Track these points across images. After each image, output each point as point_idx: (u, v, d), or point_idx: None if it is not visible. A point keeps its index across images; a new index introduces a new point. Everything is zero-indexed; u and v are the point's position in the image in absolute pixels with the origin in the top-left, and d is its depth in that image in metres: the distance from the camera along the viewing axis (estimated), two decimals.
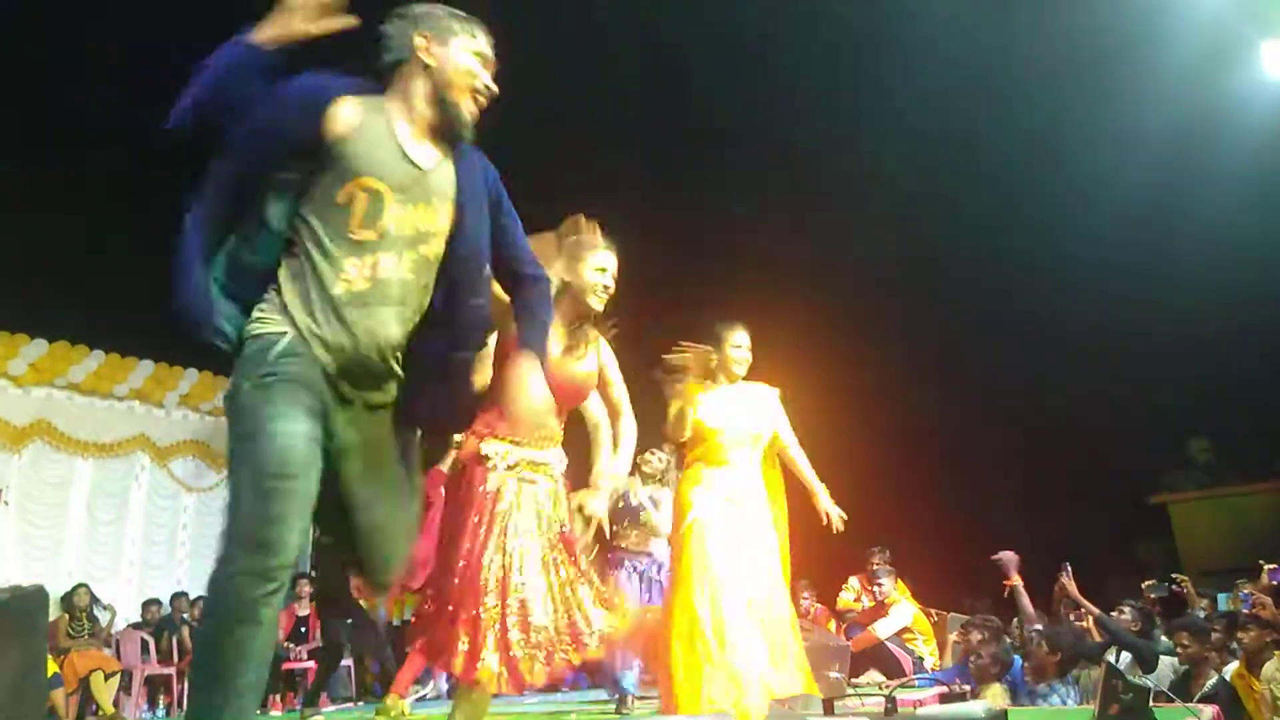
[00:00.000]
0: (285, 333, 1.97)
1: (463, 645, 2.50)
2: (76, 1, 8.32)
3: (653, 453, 5.58)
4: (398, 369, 2.09)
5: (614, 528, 5.55)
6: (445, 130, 2.11)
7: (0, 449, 9.29)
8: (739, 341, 3.95)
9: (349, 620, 6.63)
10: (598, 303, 2.99)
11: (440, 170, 2.10)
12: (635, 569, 5.54)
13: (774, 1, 8.60)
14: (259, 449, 1.85)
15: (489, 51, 2.15)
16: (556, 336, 2.87)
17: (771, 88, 9.25)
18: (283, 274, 2.02)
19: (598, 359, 3.05)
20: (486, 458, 2.74)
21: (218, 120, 1.98)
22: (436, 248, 2.08)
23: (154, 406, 10.53)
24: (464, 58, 2.10)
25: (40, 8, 8.05)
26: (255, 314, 2.03)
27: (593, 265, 2.99)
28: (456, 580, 2.59)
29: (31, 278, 8.62)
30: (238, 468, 1.88)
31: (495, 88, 2.14)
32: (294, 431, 1.85)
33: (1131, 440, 9.31)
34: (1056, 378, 9.38)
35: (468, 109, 2.10)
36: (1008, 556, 5.40)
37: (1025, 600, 5.30)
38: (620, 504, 5.57)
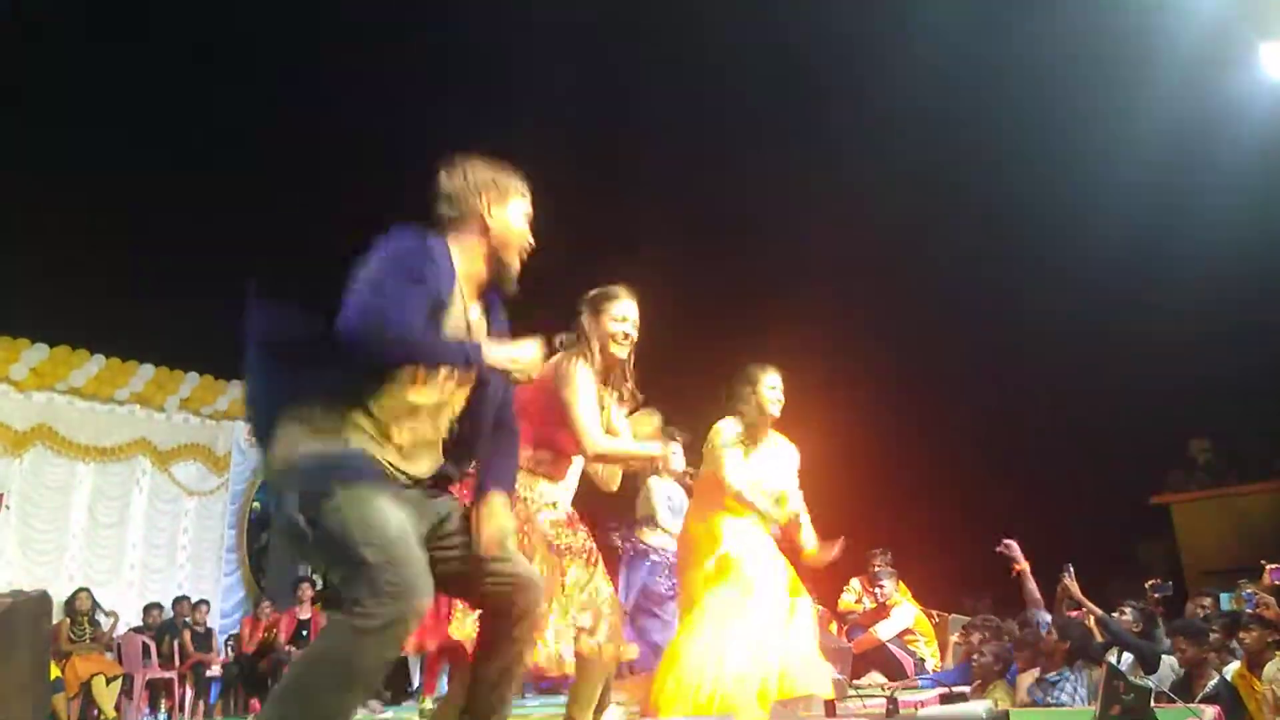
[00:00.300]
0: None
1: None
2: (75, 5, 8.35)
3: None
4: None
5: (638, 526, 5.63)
6: (492, 285, 2.26)
7: (1, 454, 9.30)
8: (773, 384, 4.03)
9: None
10: (620, 351, 3.16)
11: (480, 322, 2.26)
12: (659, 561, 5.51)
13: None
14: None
15: (531, 208, 2.30)
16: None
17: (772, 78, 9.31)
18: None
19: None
20: None
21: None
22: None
23: (155, 411, 10.53)
24: (519, 220, 2.25)
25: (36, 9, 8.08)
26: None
27: (614, 315, 3.15)
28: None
29: (32, 282, 8.64)
30: None
31: (533, 243, 2.30)
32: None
33: (1132, 441, 9.31)
34: (1057, 378, 9.38)
35: (516, 266, 2.26)
36: (1012, 543, 5.46)
37: (1031, 584, 5.34)
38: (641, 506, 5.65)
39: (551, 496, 3.07)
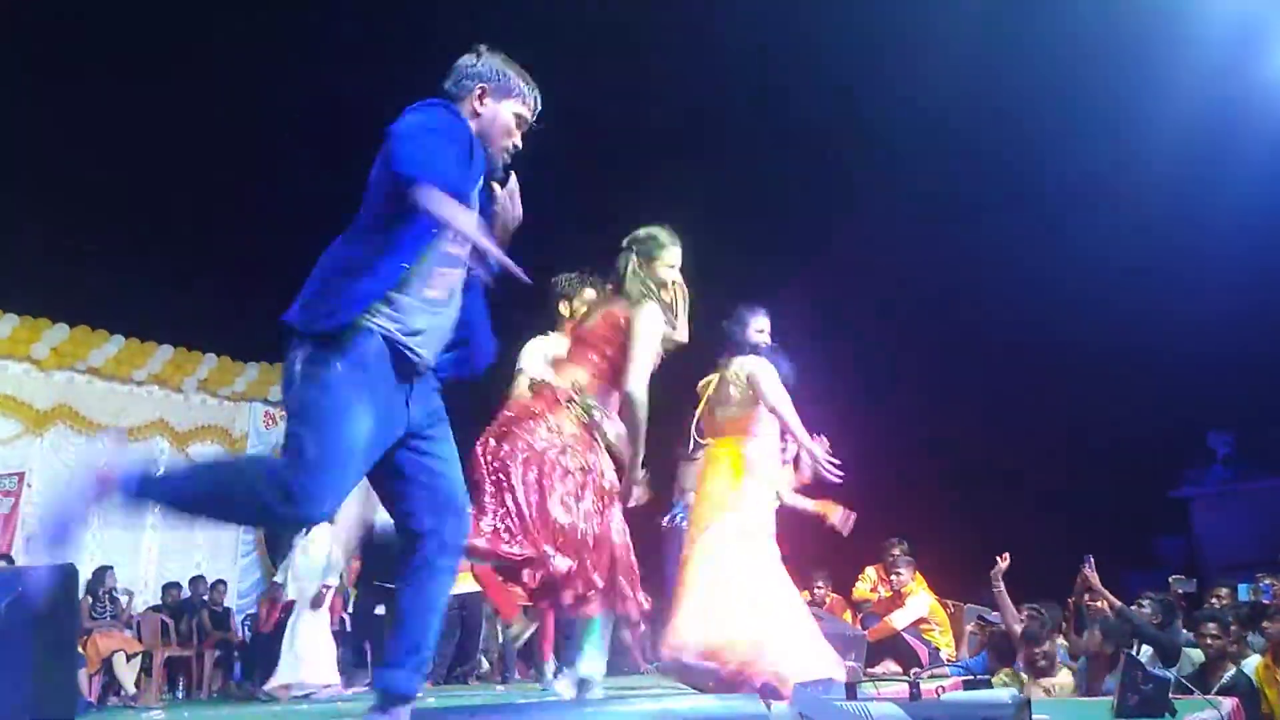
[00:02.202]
0: None
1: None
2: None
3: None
4: None
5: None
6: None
7: (23, 432, 9.39)
8: (760, 326, 4.03)
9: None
10: (667, 296, 3.19)
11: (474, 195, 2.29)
12: None
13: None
14: None
15: (530, 115, 2.33)
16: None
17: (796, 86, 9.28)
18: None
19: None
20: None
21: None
22: None
23: (173, 391, 10.60)
24: (507, 117, 2.29)
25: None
26: None
27: (667, 261, 3.18)
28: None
29: (53, 263, 8.71)
30: None
31: (520, 145, 2.34)
32: None
33: (1151, 435, 9.26)
34: (1078, 372, 9.33)
35: (497, 160, 2.31)
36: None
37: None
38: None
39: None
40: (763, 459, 3.90)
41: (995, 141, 8.76)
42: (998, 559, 5.53)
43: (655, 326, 3.06)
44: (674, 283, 3.19)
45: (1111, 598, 5.32)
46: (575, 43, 8.11)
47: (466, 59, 2.31)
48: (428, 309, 2.17)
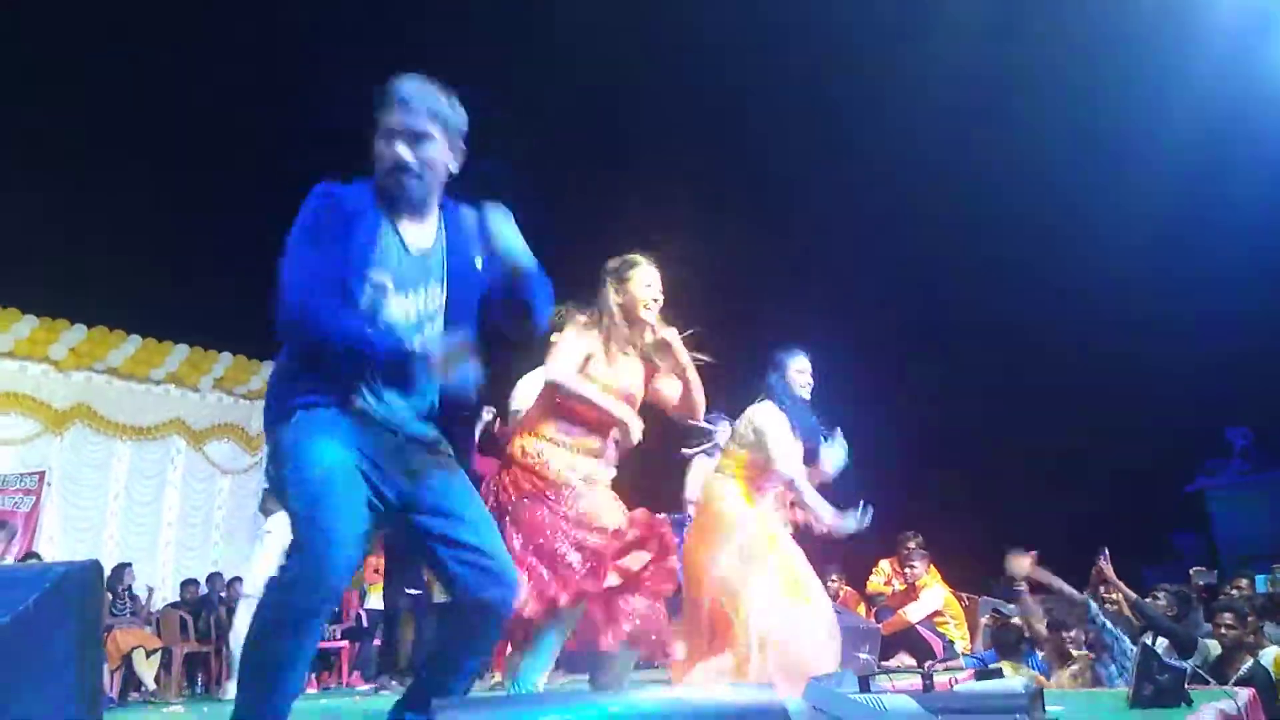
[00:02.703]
0: None
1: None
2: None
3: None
4: None
5: None
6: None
7: (42, 432, 9.49)
8: (800, 367, 4.01)
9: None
10: (650, 316, 3.21)
11: (430, 248, 2.21)
12: None
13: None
14: None
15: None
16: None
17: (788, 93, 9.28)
18: None
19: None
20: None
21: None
22: None
23: (189, 390, 10.70)
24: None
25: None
26: None
27: (640, 281, 3.21)
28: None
29: (71, 264, 8.79)
30: None
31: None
32: None
33: (1169, 428, 9.22)
34: (1095, 365, 9.30)
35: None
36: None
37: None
38: None
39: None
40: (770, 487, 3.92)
41: (1010, 135, 8.73)
42: (1012, 560, 5.44)
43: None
44: (653, 300, 3.21)
45: (1126, 590, 5.31)
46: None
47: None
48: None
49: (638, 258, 3.27)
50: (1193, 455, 9.77)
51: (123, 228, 8.82)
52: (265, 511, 6.50)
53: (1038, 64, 8.40)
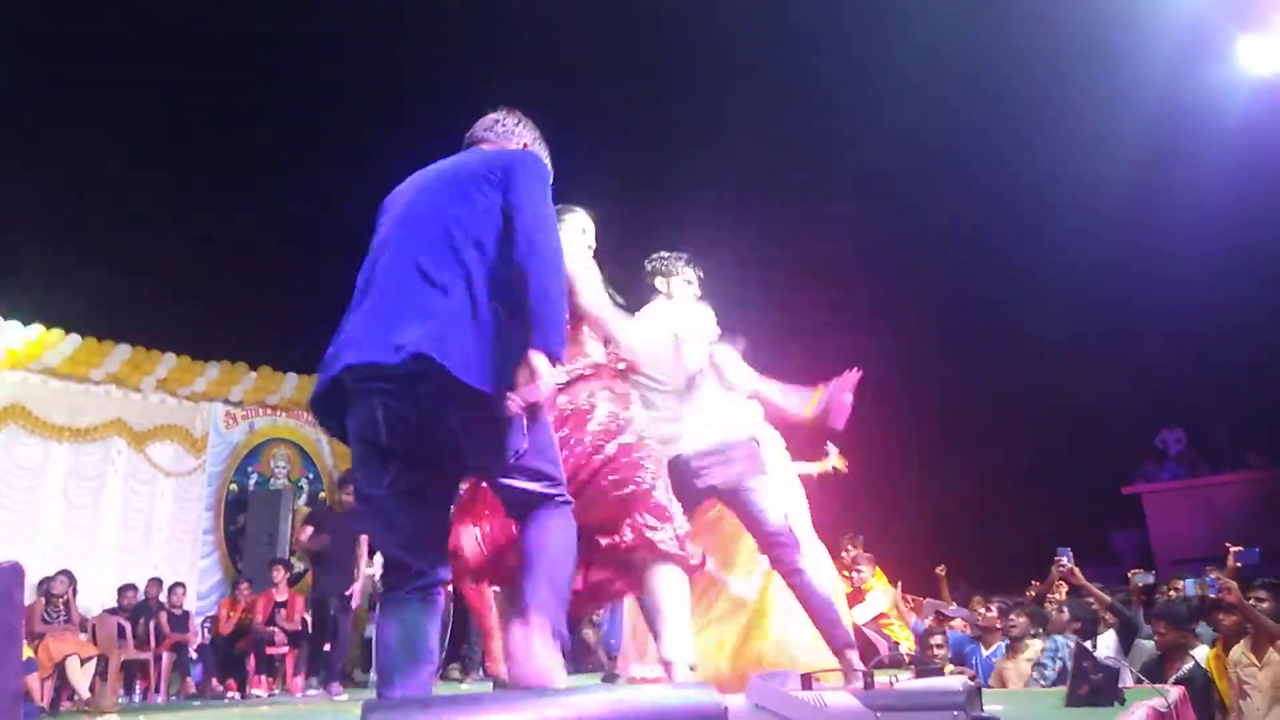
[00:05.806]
0: None
1: None
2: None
3: None
4: None
5: None
6: None
7: None
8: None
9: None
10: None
11: None
12: None
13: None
14: None
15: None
16: None
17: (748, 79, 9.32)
18: None
19: None
20: None
21: None
22: None
23: (131, 391, 10.43)
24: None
25: None
26: None
27: (575, 227, 3.12)
28: None
29: (7, 262, 8.54)
30: None
31: None
32: None
33: (1106, 432, 9.43)
34: (1032, 371, 9.47)
35: None
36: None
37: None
38: None
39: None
40: None
41: (958, 139, 8.87)
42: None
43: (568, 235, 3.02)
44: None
45: (1094, 590, 5.44)
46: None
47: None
48: None
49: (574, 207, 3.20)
50: (1131, 458, 9.99)
51: (63, 225, 8.61)
52: None
53: (992, 78, 8.53)
